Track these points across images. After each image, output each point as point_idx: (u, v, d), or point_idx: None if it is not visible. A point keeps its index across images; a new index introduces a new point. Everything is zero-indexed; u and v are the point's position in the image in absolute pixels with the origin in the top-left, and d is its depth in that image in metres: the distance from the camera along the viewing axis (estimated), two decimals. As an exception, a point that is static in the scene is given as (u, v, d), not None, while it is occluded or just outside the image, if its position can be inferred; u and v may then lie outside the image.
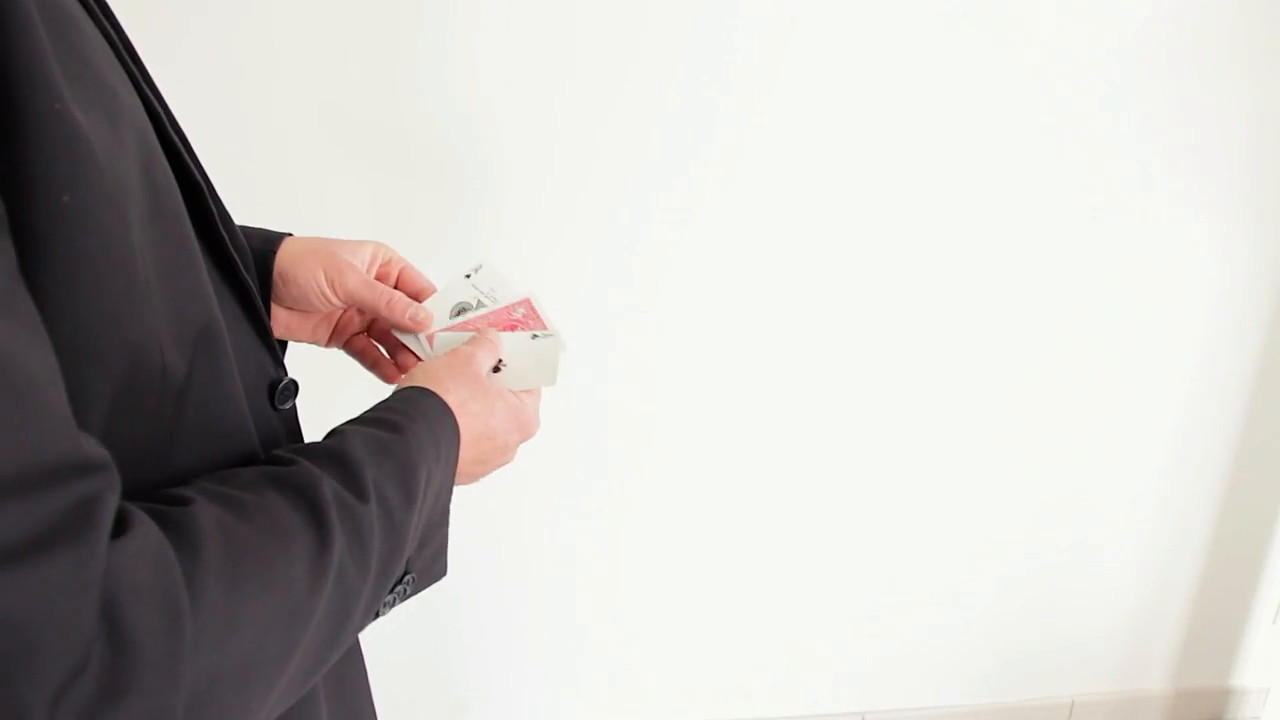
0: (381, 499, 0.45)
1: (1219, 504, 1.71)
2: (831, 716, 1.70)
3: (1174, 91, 1.42)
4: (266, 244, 0.65)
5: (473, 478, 0.60)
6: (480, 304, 0.69)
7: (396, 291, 0.66)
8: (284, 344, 0.65)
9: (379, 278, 0.68)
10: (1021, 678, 1.76)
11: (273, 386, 0.52)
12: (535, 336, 0.67)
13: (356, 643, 0.63)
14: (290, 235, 0.67)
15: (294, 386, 0.54)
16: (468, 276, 0.70)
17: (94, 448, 0.31)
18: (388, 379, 0.71)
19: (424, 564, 0.52)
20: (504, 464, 0.63)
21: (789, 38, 1.30)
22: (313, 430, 0.60)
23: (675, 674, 1.62)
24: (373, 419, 0.50)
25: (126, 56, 0.42)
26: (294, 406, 0.56)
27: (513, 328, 0.68)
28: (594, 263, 1.36)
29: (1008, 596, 1.69)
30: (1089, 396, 1.58)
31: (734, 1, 1.27)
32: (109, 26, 0.41)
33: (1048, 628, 1.73)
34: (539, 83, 1.27)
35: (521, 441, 0.63)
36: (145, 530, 0.32)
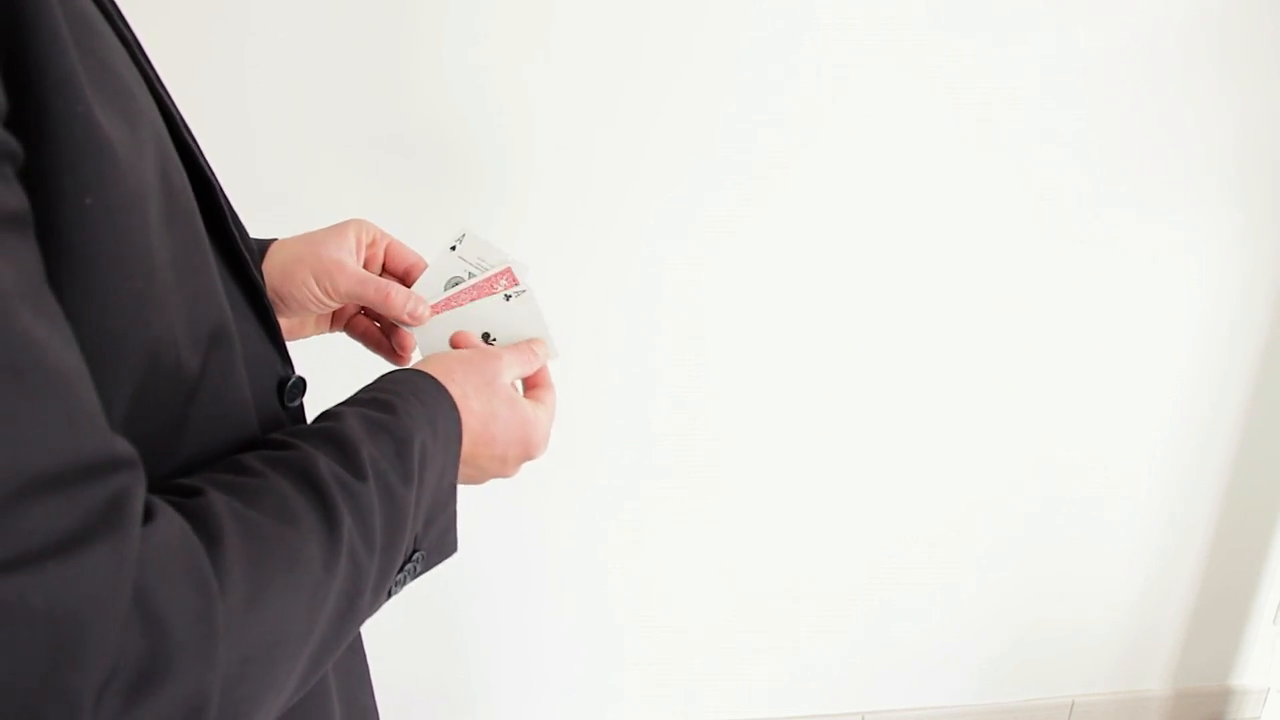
0: (379, 475, 0.45)
1: (1219, 504, 1.72)
2: (831, 716, 1.71)
3: (1164, 97, 1.43)
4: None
5: (465, 479, 0.58)
6: (471, 275, 0.67)
7: (392, 284, 0.64)
8: None
9: (367, 259, 0.67)
10: (1021, 678, 1.76)
11: (281, 384, 0.53)
12: (508, 297, 0.65)
13: (358, 636, 0.63)
14: (275, 241, 0.66)
15: (302, 384, 0.55)
16: (453, 248, 0.68)
17: (122, 444, 0.32)
18: (395, 362, 0.70)
19: (432, 541, 0.52)
20: (502, 475, 0.60)
21: (817, 52, 1.31)
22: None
23: (675, 675, 1.63)
24: (364, 399, 0.51)
25: (141, 59, 0.42)
26: (302, 404, 0.56)
27: (491, 293, 0.66)
28: (614, 266, 1.36)
29: (1008, 597, 1.69)
30: (1088, 398, 1.59)
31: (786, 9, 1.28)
32: (124, 29, 0.42)
33: (1048, 628, 1.73)
34: (557, 86, 1.27)
35: (524, 460, 0.60)
36: (169, 518, 0.33)
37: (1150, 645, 1.80)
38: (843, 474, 1.55)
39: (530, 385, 0.65)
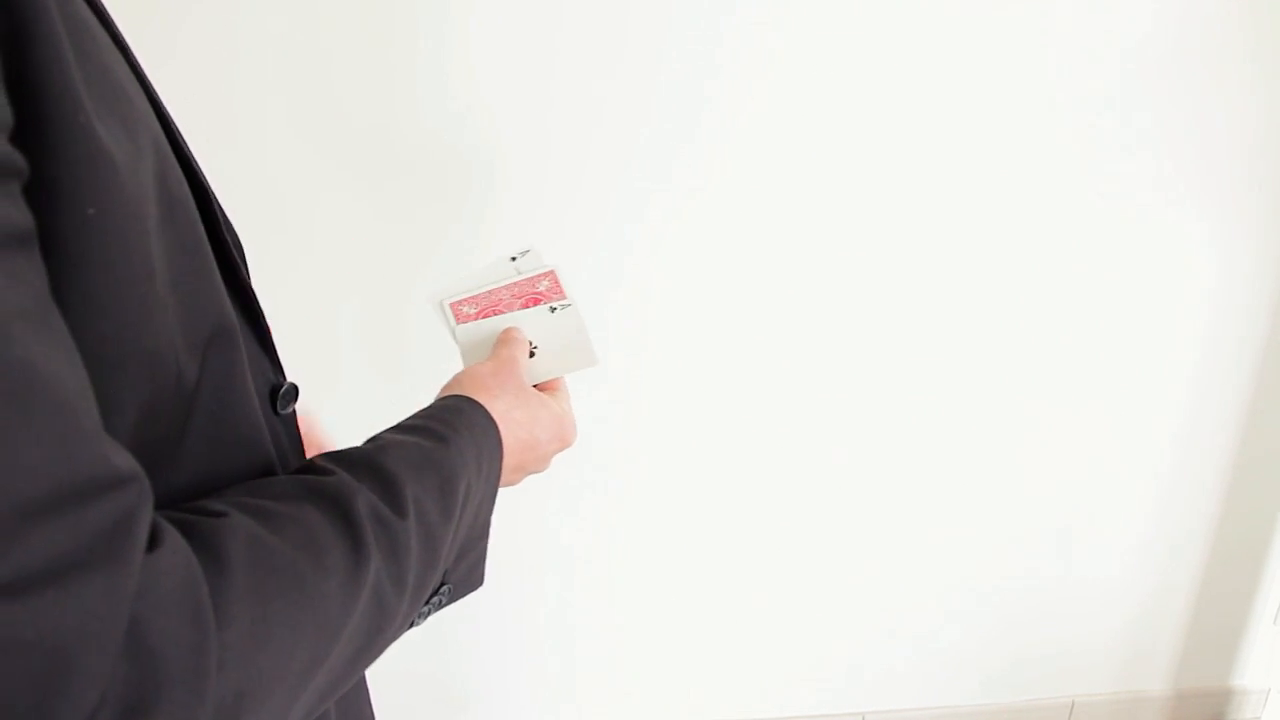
0: (421, 514, 0.44)
1: (1220, 505, 1.71)
2: (832, 717, 1.71)
3: (1178, 93, 1.42)
4: None
5: (509, 484, 0.60)
6: (520, 273, 0.69)
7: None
8: None
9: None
10: (1022, 678, 1.76)
11: (274, 391, 0.52)
12: (553, 309, 0.67)
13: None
14: None
15: (294, 391, 0.54)
16: (513, 259, 0.70)
17: (125, 460, 0.31)
18: None
19: (461, 575, 0.52)
20: (539, 471, 0.63)
21: (788, 31, 1.30)
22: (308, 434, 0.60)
23: (675, 674, 1.62)
24: (418, 427, 0.50)
25: (135, 63, 0.42)
26: (294, 412, 0.56)
27: (535, 301, 0.67)
28: (593, 260, 1.36)
29: (1008, 597, 1.69)
30: (1090, 398, 1.58)
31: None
32: (118, 33, 0.41)
33: (1048, 629, 1.73)
34: (537, 81, 1.27)
35: (560, 451, 0.63)
36: (173, 545, 0.32)
37: (1151, 645, 1.79)
38: (845, 474, 1.55)
39: (545, 388, 0.69)
